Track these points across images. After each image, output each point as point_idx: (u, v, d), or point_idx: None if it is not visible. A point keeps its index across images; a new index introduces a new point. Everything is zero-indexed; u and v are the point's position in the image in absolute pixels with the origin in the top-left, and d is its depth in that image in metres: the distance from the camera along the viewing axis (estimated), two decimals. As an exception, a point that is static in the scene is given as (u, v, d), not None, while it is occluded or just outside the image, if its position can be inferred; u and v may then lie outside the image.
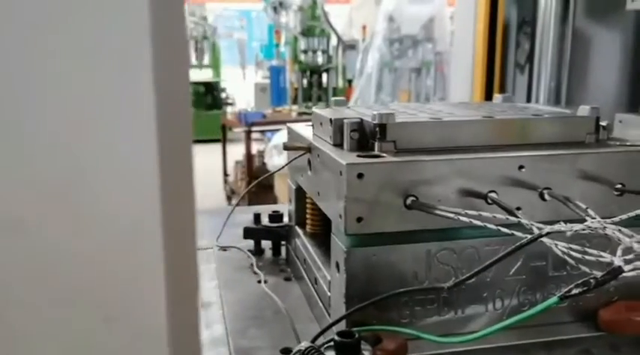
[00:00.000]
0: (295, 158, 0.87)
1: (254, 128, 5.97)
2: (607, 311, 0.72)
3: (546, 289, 0.74)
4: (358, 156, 0.70)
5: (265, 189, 5.27)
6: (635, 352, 0.74)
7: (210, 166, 7.36)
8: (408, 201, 0.67)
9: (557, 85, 1.40)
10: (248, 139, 5.99)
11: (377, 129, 0.72)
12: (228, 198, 6.55)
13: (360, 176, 0.66)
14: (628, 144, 0.77)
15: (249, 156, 5.89)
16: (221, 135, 6.84)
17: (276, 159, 5.02)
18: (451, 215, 0.62)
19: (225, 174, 6.87)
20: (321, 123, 0.83)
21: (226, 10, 12.34)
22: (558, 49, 1.40)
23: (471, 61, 1.55)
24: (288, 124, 0.99)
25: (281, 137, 5.47)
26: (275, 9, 8.47)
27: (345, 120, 0.74)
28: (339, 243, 0.70)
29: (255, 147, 6.14)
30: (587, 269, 0.57)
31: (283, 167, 0.96)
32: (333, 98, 0.91)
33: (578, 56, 1.42)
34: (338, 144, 0.76)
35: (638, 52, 1.20)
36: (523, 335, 0.71)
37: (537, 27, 1.40)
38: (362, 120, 0.75)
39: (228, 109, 9.92)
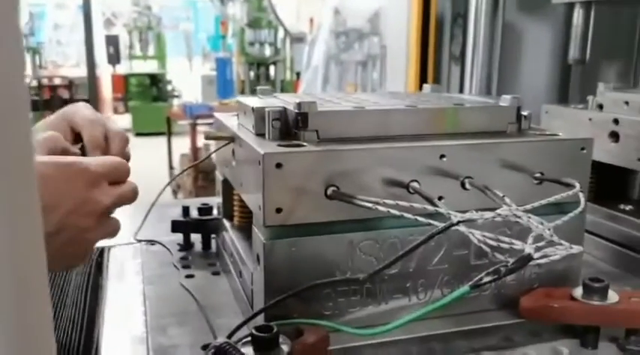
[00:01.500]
0: (219, 148, 0.84)
1: (200, 121, 5.86)
2: (527, 299, 0.73)
3: (469, 278, 0.73)
4: (279, 145, 0.68)
5: (213, 183, 5.19)
6: (555, 338, 0.75)
7: (156, 160, 7.19)
8: (329, 191, 0.66)
9: (489, 76, 1.43)
10: (194, 132, 5.88)
11: (299, 118, 0.70)
12: (174, 192, 6.42)
13: (278, 165, 0.64)
14: (547, 133, 0.78)
15: (194, 149, 5.79)
16: (166, 129, 6.69)
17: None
18: (369, 205, 0.61)
19: (171, 168, 6.73)
20: (244, 113, 0.81)
21: (172, 1, 12.05)
22: (490, 41, 1.42)
23: (405, 53, 1.56)
24: (215, 114, 0.96)
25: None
26: (221, 0, 8.34)
27: (267, 109, 0.72)
28: (258, 235, 0.68)
29: (201, 140, 6.03)
30: (501, 257, 0.57)
31: (205, 158, 0.93)
32: (259, 87, 0.89)
33: (508, 49, 1.45)
34: (261, 134, 0.74)
35: (566, 45, 1.23)
36: (445, 324, 0.71)
37: (469, 20, 1.42)
38: (285, 108, 0.73)
39: (175, 102, 9.72)
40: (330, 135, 0.71)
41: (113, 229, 0.70)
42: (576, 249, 0.51)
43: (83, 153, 0.79)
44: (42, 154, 0.67)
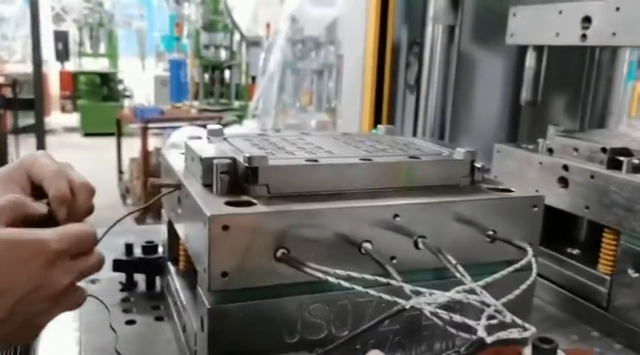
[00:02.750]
0: (164, 194, 0.80)
1: (151, 125, 5.71)
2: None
3: (421, 337, 0.73)
4: (227, 203, 0.64)
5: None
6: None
7: (105, 162, 6.97)
8: (279, 254, 0.63)
9: (443, 106, 1.43)
10: (144, 137, 5.73)
11: (249, 172, 0.67)
12: (123, 197, 6.25)
13: (225, 228, 0.61)
14: (500, 188, 0.77)
15: (145, 153, 5.64)
16: (116, 131, 6.50)
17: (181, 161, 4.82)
18: (320, 275, 0.59)
19: (120, 172, 6.54)
20: (192, 159, 0.77)
21: (125, -3, 11.75)
22: (445, 70, 1.42)
23: (361, 67, 1.54)
24: (163, 151, 0.92)
25: (180, 135, 5.27)
26: (177, 0, 8.18)
27: (215, 161, 0.69)
28: (203, 299, 0.64)
29: (153, 143, 5.88)
30: (454, 331, 0.56)
31: (146, 205, 0.89)
32: (209, 126, 0.85)
33: (463, 80, 1.46)
34: (208, 185, 0.71)
35: (519, 80, 1.24)
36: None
37: (425, 49, 1.42)
38: (234, 160, 0.70)
39: (126, 102, 9.46)
40: (281, 191, 0.68)
41: (75, 303, 0.64)
42: (529, 332, 0.50)
43: (49, 208, 0.71)
44: (1, 225, 0.59)
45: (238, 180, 0.69)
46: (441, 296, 0.54)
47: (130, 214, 0.80)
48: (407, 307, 0.53)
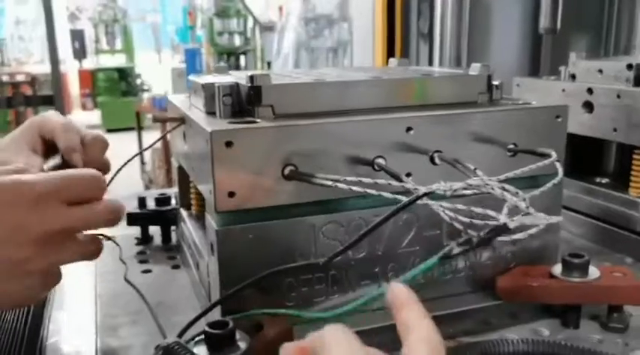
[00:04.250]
0: (169, 131, 0.77)
1: (159, 114, 5.73)
2: (504, 279, 0.68)
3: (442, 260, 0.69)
4: (230, 123, 0.61)
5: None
6: (534, 319, 0.71)
7: (128, 155, 7.02)
8: (287, 171, 0.60)
9: (458, 52, 1.38)
10: (164, 126, 5.75)
11: (252, 92, 0.64)
12: (147, 187, 6.29)
13: (228, 144, 0.58)
14: (520, 102, 0.73)
15: (165, 143, 5.66)
16: (136, 123, 6.54)
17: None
18: (329, 183, 0.56)
19: (142, 163, 6.59)
20: (195, 91, 0.74)
21: (137, -8, 11.80)
22: (458, 16, 1.37)
23: (371, 32, 1.50)
24: (169, 96, 0.89)
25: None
26: (189, -11, 8.18)
27: (217, 85, 0.66)
28: (211, 222, 0.62)
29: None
30: (474, 234, 0.52)
31: (153, 144, 0.87)
32: (215, 65, 0.82)
33: (477, 22, 1.40)
34: (212, 112, 0.68)
35: (535, 15, 1.19)
36: (418, 310, 0.66)
37: (436, -6, 1.37)
38: (237, 84, 0.67)
39: (145, 96, 9.51)
40: (286, 111, 0.65)
41: (77, 254, 0.59)
42: (555, 218, 0.46)
43: (63, 163, 0.70)
44: None
45: (242, 104, 0.66)
46: (457, 183, 0.50)
47: (140, 153, 0.78)
48: (420, 193, 0.49)
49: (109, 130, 9.57)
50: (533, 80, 1.06)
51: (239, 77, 0.73)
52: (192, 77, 0.78)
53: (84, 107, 10.15)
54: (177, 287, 0.83)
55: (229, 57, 7.39)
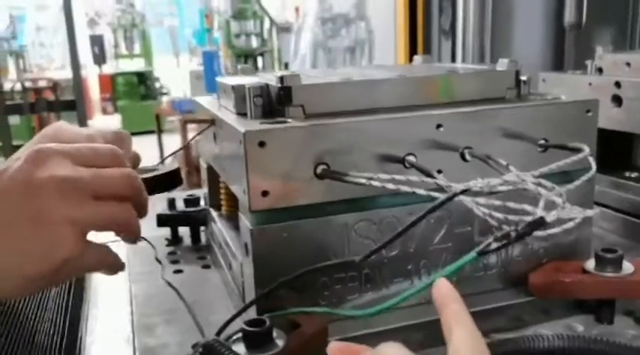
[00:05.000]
0: (199, 133, 0.79)
1: (189, 116, 5.78)
2: (536, 275, 0.68)
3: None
4: (262, 123, 0.62)
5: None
6: (568, 314, 0.70)
7: (148, 158, 7.08)
8: (319, 170, 0.61)
9: (481, 49, 1.37)
10: (184, 128, 5.80)
11: (282, 92, 0.65)
12: (168, 190, 6.35)
13: (261, 144, 0.59)
14: (549, 97, 0.73)
15: (186, 145, 5.71)
16: (156, 126, 6.61)
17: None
18: (363, 181, 0.56)
19: (162, 163, 6.65)
20: (224, 92, 0.75)
21: (155, -3, 11.92)
22: (480, 12, 1.36)
23: (393, 35, 1.50)
24: (196, 98, 0.91)
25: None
26: (205, -8, 8.24)
27: (248, 86, 0.67)
28: (245, 222, 0.63)
29: (191, 136, 5.95)
30: (511, 228, 0.52)
31: (187, 144, 0.88)
32: (240, 65, 0.83)
33: (500, 17, 1.39)
34: (242, 113, 0.69)
35: (558, 9, 1.18)
36: (451, 306, 0.66)
37: (458, -10, 1.36)
38: (267, 84, 0.68)
39: (164, 99, 9.60)
40: (316, 110, 0.66)
41: (107, 214, 0.55)
42: (591, 212, 0.46)
43: None
44: None
45: (272, 105, 0.67)
46: (494, 180, 0.50)
47: (172, 155, 0.79)
48: (458, 191, 0.50)
49: (130, 134, 9.66)
50: (559, 75, 1.05)
51: (267, 78, 0.73)
52: (220, 79, 0.79)
53: (104, 111, 10.29)
54: (210, 286, 0.84)
55: (247, 59, 7.43)
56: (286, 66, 7.03)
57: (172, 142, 6.42)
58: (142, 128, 9.03)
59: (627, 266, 0.67)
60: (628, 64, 0.93)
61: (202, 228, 1.01)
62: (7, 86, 5.37)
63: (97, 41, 10.41)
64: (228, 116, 0.69)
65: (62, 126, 0.69)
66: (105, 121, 10.38)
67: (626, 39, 1.19)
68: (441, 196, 0.52)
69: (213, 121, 0.75)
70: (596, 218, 0.97)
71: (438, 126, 0.64)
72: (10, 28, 9.44)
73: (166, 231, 1.03)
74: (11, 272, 0.52)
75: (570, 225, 0.48)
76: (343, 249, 0.64)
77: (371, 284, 0.66)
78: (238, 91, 0.69)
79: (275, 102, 0.67)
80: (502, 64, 0.73)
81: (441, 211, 0.65)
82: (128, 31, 10.40)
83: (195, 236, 1.01)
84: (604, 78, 0.96)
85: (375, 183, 0.56)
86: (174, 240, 1.02)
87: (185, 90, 8.89)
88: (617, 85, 0.93)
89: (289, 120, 0.63)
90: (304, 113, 0.65)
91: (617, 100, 0.93)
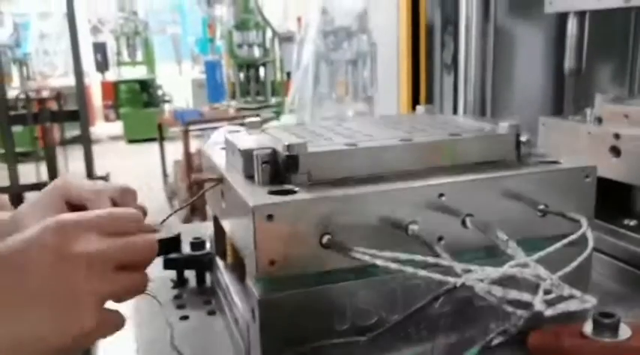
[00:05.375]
0: (207, 189, 0.80)
1: (191, 127, 5.81)
2: (536, 337, 0.70)
3: (474, 320, 0.71)
4: (270, 192, 0.64)
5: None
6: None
7: (150, 167, 7.13)
8: (324, 240, 0.63)
9: (482, 85, 1.39)
10: (186, 138, 5.83)
11: (289, 161, 0.67)
12: (169, 199, 6.38)
13: (269, 217, 0.61)
14: (548, 160, 0.75)
15: (187, 155, 5.74)
16: (158, 135, 6.63)
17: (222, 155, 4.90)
18: (367, 258, 0.58)
19: (165, 175, 6.68)
20: (232, 152, 0.77)
21: (158, 4, 11.96)
22: (482, 48, 1.38)
23: (395, 53, 1.52)
24: (203, 148, 0.93)
25: (220, 135, 5.33)
26: (208, 1, 8.28)
27: (255, 152, 0.69)
28: (252, 290, 0.64)
29: (195, 145, 5.97)
30: (510, 309, 0.54)
31: (189, 203, 0.89)
32: (247, 119, 0.85)
33: (502, 55, 1.42)
34: (250, 177, 0.71)
35: (559, 51, 1.20)
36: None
37: (460, 27, 1.38)
38: (274, 150, 0.70)
39: (166, 107, 9.64)
40: (322, 177, 0.68)
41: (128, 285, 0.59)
42: (590, 303, 0.48)
43: None
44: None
45: (279, 169, 0.69)
46: (494, 272, 0.52)
47: (173, 214, 0.81)
48: (458, 285, 0.52)
49: (131, 141, 9.74)
50: (558, 121, 1.07)
51: (274, 139, 0.75)
52: (228, 135, 0.81)
53: (106, 118, 10.33)
54: (215, 335, 0.86)
55: (249, 69, 7.45)
56: (288, 75, 7.05)
57: (175, 149, 6.44)
58: (144, 135, 9.08)
59: (624, 331, 0.68)
60: (626, 116, 0.95)
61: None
62: (10, 94, 5.40)
63: (99, 48, 10.46)
64: (236, 179, 0.71)
65: (70, 180, 0.71)
66: (107, 128, 10.43)
67: (626, 81, 1.21)
68: (441, 278, 0.54)
69: (220, 180, 0.76)
70: (594, 264, 0.99)
71: (440, 195, 0.66)
72: (14, 36, 9.49)
73: (172, 273, 1.04)
74: (36, 344, 0.54)
75: (568, 308, 0.50)
76: (347, 314, 0.66)
77: (373, 347, 0.67)
78: (246, 155, 0.71)
79: (282, 168, 0.69)
80: (502, 128, 0.75)
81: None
82: (131, 38, 10.44)
83: (200, 279, 1.03)
84: (603, 128, 0.98)
85: (379, 262, 0.57)
86: (180, 281, 1.03)
87: (187, 97, 8.93)
88: (616, 136, 0.95)
89: (296, 188, 0.65)
90: (309, 179, 0.67)
91: (616, 151, 0.95)
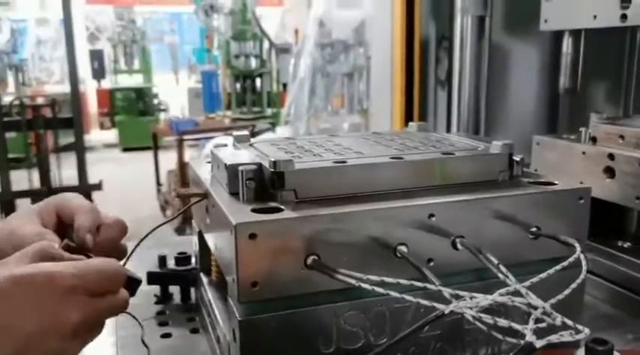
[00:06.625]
0: (192, 204, 0.78)
1: (186, 137, 5.79)
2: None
3: (464, 343, 0.69)
4: (253, 210, 0.62)
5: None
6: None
7: (144, 175, 7.08)
8: (309, 261, 0.60)
9: (477, 101, 1.38)
10: (180, 148, 5.80)
11: (275, 177, 0.65)
12: (162, 209, 6.33)
13: (252, 236, 0.58)
14: (541, 181, 0.73)
15: (181, 165, 5.71)
16: (153, 145, 6.60)
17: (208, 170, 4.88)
18: (353, 281, 0.56)
19: (159, 184, 6.64)
20: (218, 167, 0.75)
21: (155, 14, 11.98)
22: (476, 65, 1.37)
23: (389, 67, 1.50)
24: (190, 162, 0.90)
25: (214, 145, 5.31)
26: (206, 12, 8.29)
27: (241, 168, 0.67)
28: (234, 310, 0.62)
29: (189, 154, 5.95)
30: (499, 336, 0.52)
31: (173, 218, 0.88)
32: (235, 133, 0.83)
33: (496, 71, 1.41)
34: (235, 193, 0.68)
35: (556, 69, 1.19)
36: (439, 396, 0.66)
37: (455, 43, 1.37)
38: (260, 166, 0.68)
39: (162, 116, 9.61)
40: (309, 195, 0.66)
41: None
42: (582, 334, 0.46)
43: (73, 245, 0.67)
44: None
45: (265, 186, 0.67)
46: (484, 300, 0.50)
47: (156, 229, 0.78)
48: (446, 312, 0.50)
49: (126, 149, 9.69)
50: (552, 140, 1.06)
51: (261, 155, 0.73)
52: (214, 150, 0.79)
53: (102, 126, 10.29)
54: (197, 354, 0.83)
55: (245, 79, 7.45)
56: (284, 86, 7.05)
57: (169, 158, 6.41)
58: (139, 144, 9.03)
59: (617, 359, 0.66)
60: (621, 137, 0.93)
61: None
62: (4, 100, 5.36)
63: (96, 56, 10.44)
64: (221, 195, 0.69)
65: (72, 198, 0.72)
66: (102, 136, 10.38)
67: (621, 100, 1.20)
68: (428, 303, 0.52)
69: (206, 196, 0.74)
70: (587, 287, 0.97)
71: (431, 215, 0.64)
72: (11, 42, 9.47)
73: (157, 287, 1.02)
74: None
75: (560, 339, 0.48)
76: (332, 337, 0.63)
77: (359, 371, 0.65)
78: (232, 170, 0.69)
79: (268, 185, 0.67)
80: (495, 147, 0.73)
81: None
82: (128, 46, 10.43)
83: (184, 295, 1.00)
84: (598, 148, 0.96)
85: (365, 286, 0.55)
86: (164, 297, 1.01)
87: (183, 106, 8.91)
88: (611, 157, 0.93)
89: (281, 206, 0.63)
90: (296, 197, 0.65)
91: (610, 172, 0.94)
